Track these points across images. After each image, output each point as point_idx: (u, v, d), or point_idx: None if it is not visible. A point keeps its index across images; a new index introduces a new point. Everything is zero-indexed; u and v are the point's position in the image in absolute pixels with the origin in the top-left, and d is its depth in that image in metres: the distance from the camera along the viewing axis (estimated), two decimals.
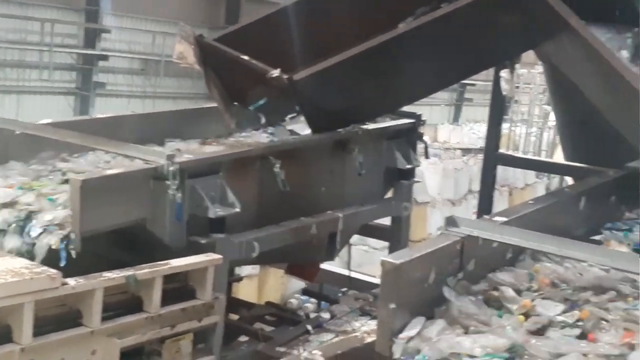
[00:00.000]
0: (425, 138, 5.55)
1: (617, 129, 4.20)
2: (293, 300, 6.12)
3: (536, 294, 2.76)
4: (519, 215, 3.31)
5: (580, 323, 2.53)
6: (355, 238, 12.50)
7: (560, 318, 2.56)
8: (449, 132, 24.09)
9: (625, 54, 4.38)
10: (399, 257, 2.67)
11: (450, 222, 3.00)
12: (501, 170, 21.13)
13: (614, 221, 3.88)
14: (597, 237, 3.62)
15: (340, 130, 4.82)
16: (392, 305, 2.60)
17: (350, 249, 5.67)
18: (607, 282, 2.79)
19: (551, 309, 2.60)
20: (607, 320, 2.52)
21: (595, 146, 5.25)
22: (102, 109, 15.52)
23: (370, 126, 5.04)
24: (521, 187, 18.32)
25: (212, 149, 4.59)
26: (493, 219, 3.26)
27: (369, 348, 2.77)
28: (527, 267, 3.04)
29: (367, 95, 4.77)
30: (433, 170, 17.86)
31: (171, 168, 3.72)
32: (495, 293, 2.76)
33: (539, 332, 2.51)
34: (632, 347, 2.33)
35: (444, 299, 2.77)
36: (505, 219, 3.20)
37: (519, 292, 2.80)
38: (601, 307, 2.61)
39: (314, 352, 2.80)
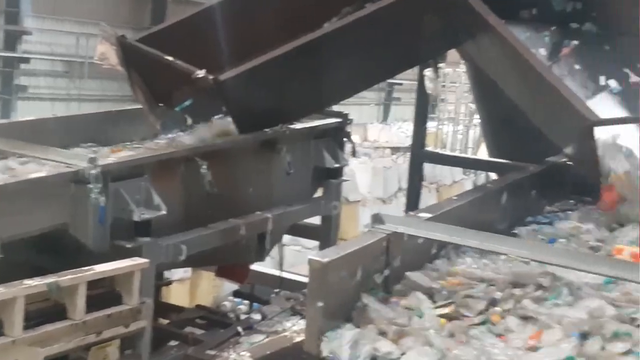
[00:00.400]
0: (354, 137, 5.59)
1: (537, 125, 4.32)
2: (226, 303, 6.08)
3: (455, 293, 2.78)
4: (444, 211, 3.36)
5: (497, 322, 2.57)
6: (287, 238, 12.52)
7: (477, 319, 2.60)
8: (378, 131, 24.34)
9: (543, 52, 4.52)
10: (326, 256, 2.68)
11: (377, 219, 3.03)
12: (430, 168, 21.59)
13: (535, 215, 3.99)
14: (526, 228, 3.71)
15: (267, 130, 4.81)
16: (320, 304, 2.59)
17: (283, 249, 5.67)
18: (526, 277, 2.85)
19: (471, 309, 2.64)
20: (523, 318, 2.57)
21: (517, 142, 5.38)
22: (25, 112, 15.07)
23: (298, 126, 5.04)
24: (449, 184, 18.66)
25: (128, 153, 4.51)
26: (418, 215, 3.30)
27: (298, 347, 2.78)
28: (449, 263, 3.09)
29: (294, 95, 4.78)
30: (363, 169, 18.04)
31: (93, 171, 3.64)
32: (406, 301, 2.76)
33: (460, 333, 2.54)
34: (534, 349, 2.38)
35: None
36: (430, 215, 3.25)
37: (432, 294, 2.82)
38: (519, 303, 2.66)
39: (242, 353, 2.77)
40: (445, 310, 2.63)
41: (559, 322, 2.47)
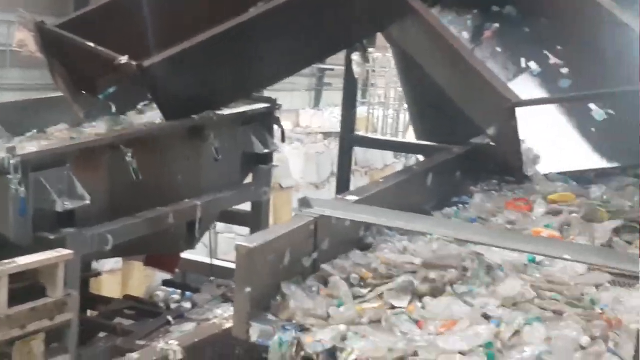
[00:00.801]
0: (286, 124, 5.58)
1: (461, 107, 4.40)
2: (159, 293, 6.00)
3: (374, 280, 2.80)
4: (371, 193, 3.39)
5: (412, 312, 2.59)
6: (221, 226, 12.46)
7: (399, 304, 2.63)
8: (310, 117, 24.35)
9: (465, 35, 4.60)
10: (253, 241, 2.67)
11: (304, 203, 3.03)
12: (362, 153, 21.72)
13: (460, 195, 4.06)
14: (444, 211, 3.76)
15: (194, 116, 4.75)
16: (248, 289, 2.59)
17: (217, 237, 5.63)
18: (449, 259, 2.89)
19: (396, 299, 2.67)
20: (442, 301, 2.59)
21: (443, 125, 5.46)
22: None
23: (226, 112, 4.99)
24: (380, 168, 18.83)
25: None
26: (345, 198, 3.33)
27: (228, 334, 2.76)
28: (375, 247, 3.12)
29: (221, 81, 4.73)
30: (296, 154, 18.05)
31: (12, 161, 3.53)
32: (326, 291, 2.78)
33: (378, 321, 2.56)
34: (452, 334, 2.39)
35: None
36: (357, 198, 3.27)
37: (350, 280, 2.82)
38: (439, 287, 2.70)
39: (171, 342, 2.75)
40: (374, 305, 2.64)
41: (479, 306, 2.52)
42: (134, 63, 4.29)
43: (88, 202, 3.85)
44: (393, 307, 2.61)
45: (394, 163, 19.81)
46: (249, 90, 5.12)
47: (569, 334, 2.32)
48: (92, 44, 4.44)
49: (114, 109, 4.73)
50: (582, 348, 2.29)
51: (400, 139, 17.55)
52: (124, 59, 4.30)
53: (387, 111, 22.25)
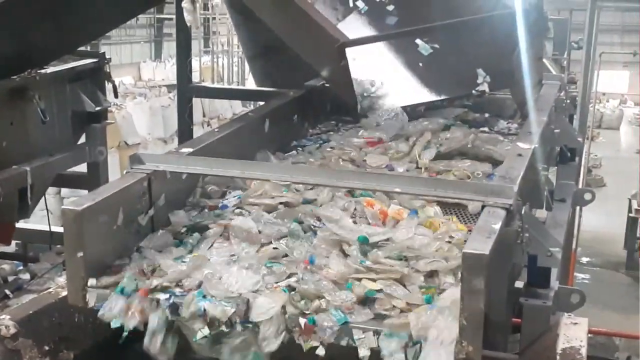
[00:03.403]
0: (127, 77, 5.34)
1: (295, 50, 4.38)
2: (5, 267, 5.67)
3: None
4: (206, 144, 3.30)
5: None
6: (66, 191, 11.82)
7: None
8: (152, 69, 23.71)
9: None
10: (81, 203, 2.54)
11: (135, 159, 2.91)
12: (209, 103, 21.28)
13: (299, 139, 4.07)
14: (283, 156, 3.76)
15: (14, 77, 4.44)
16: (80, 254, 2.48)
17: (62, 202, 5.35)
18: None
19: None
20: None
21: (280, 70, 5.44)
22: None
23: (49, 69, 4.70)
24: (230, 117, 18.72)
25: None
26: (180, 151, 3.23)
27: (64, 302, 2.63)
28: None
29: (39, 36, 4.41)
30: (140, 110, 17.55)
31: None
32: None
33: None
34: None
35: (136, 239, 2.71)
36: (191, 150, 3.18)
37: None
38: None
39: (1, 317, 2.58)
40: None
41: None
42: None
43: None
44: None
45: (243, 111, 19.76)
46: (72, 45, 4.83)
47: None
48: None
49: None
50: None
51: (245, 87, 17.47)
52: None
53: (232, 59, 22.03)
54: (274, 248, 2.66)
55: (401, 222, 2.82)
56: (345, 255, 2.60)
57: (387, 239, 2.68)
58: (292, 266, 2.54)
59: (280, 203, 3.00)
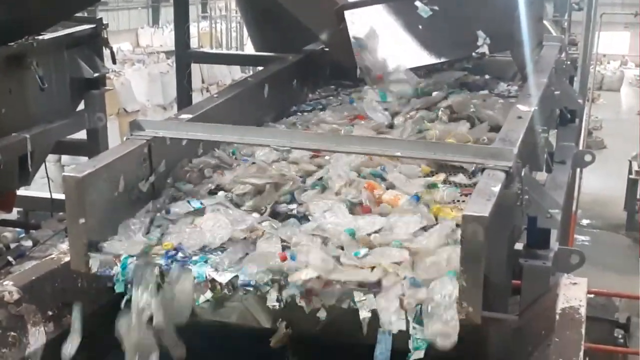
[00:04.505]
0: (125, 44, 5.32)
1: (294, 14, 4.34)
2: (7, 234, 5.69)
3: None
4: (205, 110, 3.29)
5: None
6: (66, 158, 11.84)
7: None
8: (150, 35, 23.54)
9: None
10: (82, 170, 2.54)
11: (135, 126, 2.90)
12: (208, 69, 21.15)
13: (298, 104, 4.06)
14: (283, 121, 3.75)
15: (11, 44, 4.41)
16: (82, 220, 2.49)
17: (63, 170, 5.37)
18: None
19: None
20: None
21: (278, 34, 5.41)
22: None
23: (47, 36, 4.68)
24: (229, 83, 18.66)
25: None
26: (179, 117, 3.22)
27: (67, 268, 2.65)
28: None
29: (36, 3, 4.38)
30: (139, 76, 17.48)
31: None
32: None
33: None
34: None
35: (136, 206, 2.72)
36: (191, 116, 3.18)
37: None
38: None
39: (5, 283, 2.60)
40: None
41: None
42: None
43: None
44: None
45: (242, 77, 19.68)
46: (69, 11, 4.80)
47: None
48: None
49: None
50: None
51: (243, 52, 17.38)
52: None
53: (230, 24, 21.86)
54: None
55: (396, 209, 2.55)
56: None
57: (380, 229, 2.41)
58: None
59: (268, 183, 2.78)
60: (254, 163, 2.97)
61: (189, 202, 2.72)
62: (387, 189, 2.74)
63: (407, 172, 2.85)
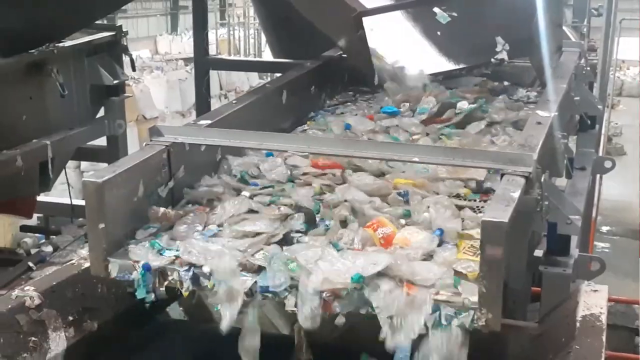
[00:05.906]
0: (144, 51, 5.36)
1: (311, 20, 4.35)
2: (27, 240, 5.74)
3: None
4: (223, 116, 3.31)
5: None
6: (85, 165, 11.94)
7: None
8: (169, 42, 23.66)
9: None
10: (102, 175, 2.56)
11: (154, 132, 2.92)
12: (226, 75, 21.19)
13: (317, 110, 4.07)
14: (302, 128, 3.76)
15: (32, 51, 4.46)
16: (102, 225, 2.50)
17: (82, 176, 5.41)
18: None
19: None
20: None
21: (296, 41, 5.42)
22: None
23: (67, 43, 4.73)
24: (247, 90, 18.71)
25: None
26: (198, 123, 3.24)
27: (87, 273, 2.67)
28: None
29: (56, 10, 4.43)
30: (157, 83, 17.58)
31: None
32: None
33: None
34: None
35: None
36: (209, 122, 3.19)
37: None
38: None
39: (27, 288, 2.63)
40: None
41: None
42: None
43: None
44: None
45: (259, 83, 19.74)
46: (89, 18, 4.84)
47: None
48: None
49: None
50: None
51: (261, 58, 17.43)
52: None
53: (248, 31, 21.95)
54: None
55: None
56: None
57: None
58: None
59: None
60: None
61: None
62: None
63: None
